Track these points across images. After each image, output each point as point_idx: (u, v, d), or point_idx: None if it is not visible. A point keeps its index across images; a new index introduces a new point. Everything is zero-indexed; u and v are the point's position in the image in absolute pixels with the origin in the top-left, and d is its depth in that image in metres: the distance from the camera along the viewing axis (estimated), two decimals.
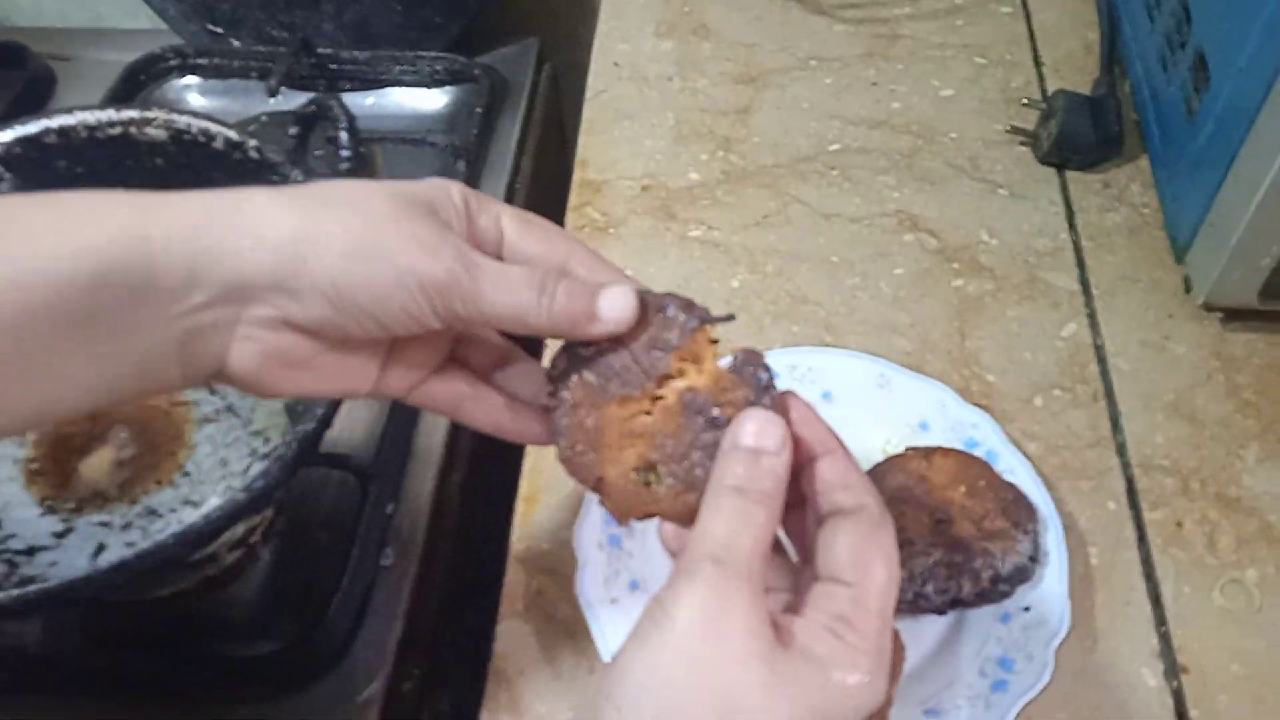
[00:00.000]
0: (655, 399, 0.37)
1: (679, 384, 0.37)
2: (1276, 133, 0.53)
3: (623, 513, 0.38)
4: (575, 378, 0.38)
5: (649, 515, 0.38)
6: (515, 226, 0.38)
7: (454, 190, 0.37)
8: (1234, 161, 0.57)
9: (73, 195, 0.34)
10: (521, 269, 0.36)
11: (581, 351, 0.38)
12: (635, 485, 0.38)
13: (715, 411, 0.36)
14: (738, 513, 0.33)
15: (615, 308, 0.36)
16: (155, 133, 0.60)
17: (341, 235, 0.34)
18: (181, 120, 0.61)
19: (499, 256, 0.38)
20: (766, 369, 0.36)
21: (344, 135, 0.68)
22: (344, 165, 0.69)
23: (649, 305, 0.38)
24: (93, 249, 0.32)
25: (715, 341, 0.37)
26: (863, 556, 0.33)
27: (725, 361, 0.37)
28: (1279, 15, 0.52)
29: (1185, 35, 0.65)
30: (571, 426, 0.38)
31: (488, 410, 0.42)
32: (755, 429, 0.35)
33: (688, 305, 0.37)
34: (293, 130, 0.72)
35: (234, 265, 0.33)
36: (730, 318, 0.38)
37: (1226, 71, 0.58)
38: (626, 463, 0.38)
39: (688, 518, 0.36)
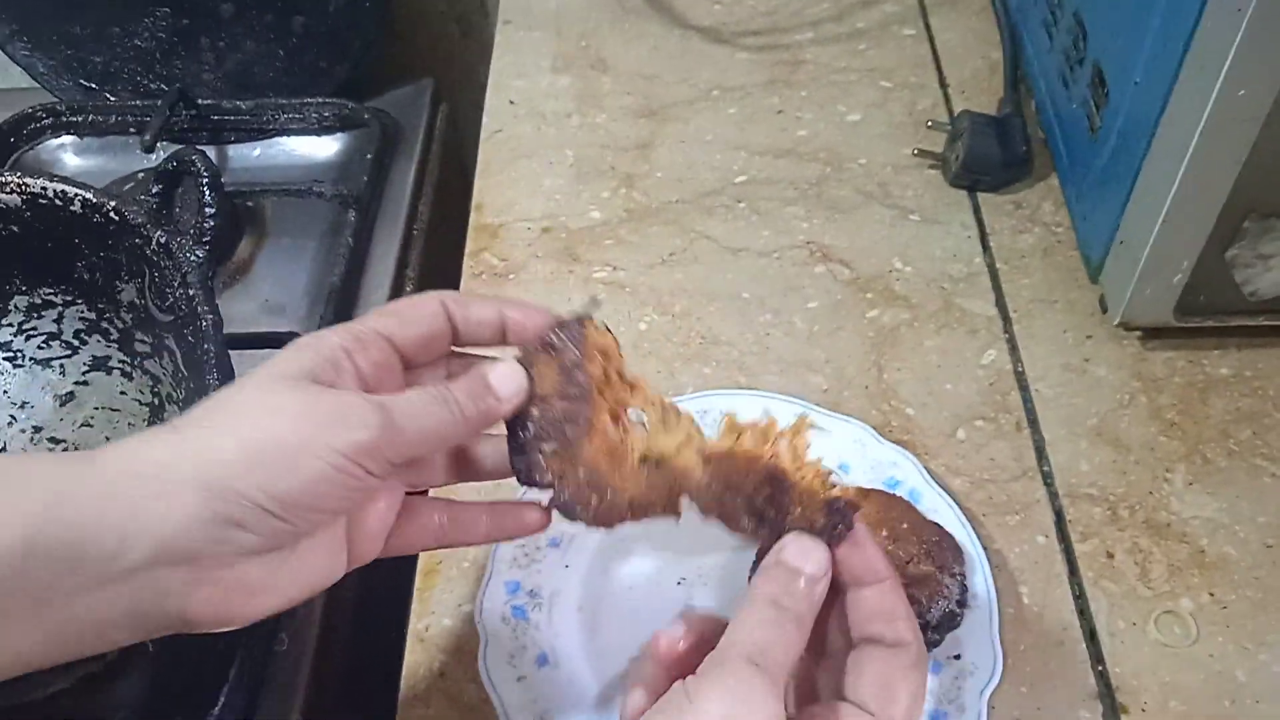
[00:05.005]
0: (602, 396, 0.39)
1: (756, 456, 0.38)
2: (1177, 145, 0.52)
3: (663, 506, 0.39)
4: (539, 459, 0.38)
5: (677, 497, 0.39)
6: (393, 327, 0.39)
7: (323, 346, 0.37)
8: (1138, 176, 0.56)
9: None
10: (418, 392, 0.37)
11: (521, 437, 0.38)
12: (648, 478, 0.39)
13: (770, 511, 0.37)
14: (774, 624, 0.35)
15: (509, 383, 0.38)
16: (8, 198, 0.57)
17: (251, 449, 0.33)
18: (36, 183, 0.57)
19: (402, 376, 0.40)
20: (849, 519, 0.37)
21: (206, 191, 0.64)
22: (208, 223, 0.65)
23: (533, 355, 0.39)
24: (22, 516, 0.31)
25: (604, 329, 0.40)
26: (890, 689, 0.35)
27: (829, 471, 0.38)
28: (1169, 26, 0.51)
29: (1082, 51, 0.64)
30: (574, 499, 0.38)
31: (468, 524, 0.43)
32: (798, 551, 0.36)
33: (560, 325, 0.39)
34: (155, 188, 0.67)
35: (163, 519, 0.32)
36: (595, 303, 0.43)
37: (1124, 86, 0.57)
38: (633, 471, 0.38)
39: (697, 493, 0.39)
